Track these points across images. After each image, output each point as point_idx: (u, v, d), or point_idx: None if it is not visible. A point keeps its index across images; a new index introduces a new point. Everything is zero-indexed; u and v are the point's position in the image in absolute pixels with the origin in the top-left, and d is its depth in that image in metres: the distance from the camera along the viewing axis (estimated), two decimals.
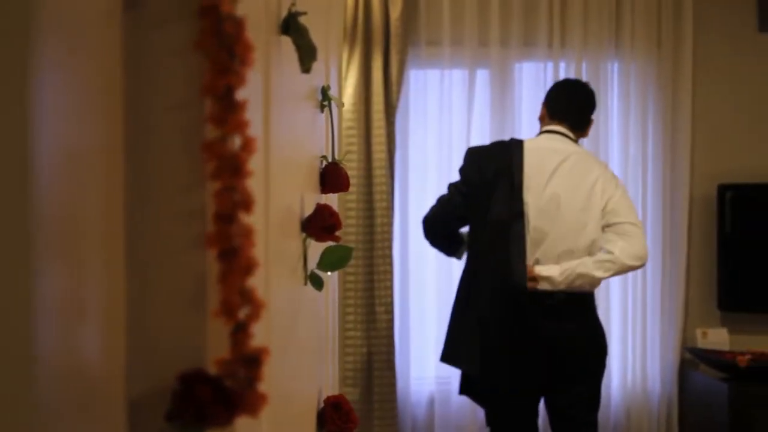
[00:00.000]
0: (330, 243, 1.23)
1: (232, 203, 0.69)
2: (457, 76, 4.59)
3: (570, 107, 3.63)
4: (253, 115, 0.87)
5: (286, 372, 1.09)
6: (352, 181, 4.35)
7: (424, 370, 4.56)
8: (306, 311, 1.26)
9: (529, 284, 3.34)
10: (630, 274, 4.51)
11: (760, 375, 4.21)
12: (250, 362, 0.72)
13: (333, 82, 1.66)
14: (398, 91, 4.45)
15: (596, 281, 3.39)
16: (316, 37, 1.29)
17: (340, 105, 1.47)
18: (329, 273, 1.34)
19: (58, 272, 0.52)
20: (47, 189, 0.50)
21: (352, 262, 4.39)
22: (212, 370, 0.73)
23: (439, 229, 3.67)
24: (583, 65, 4.59)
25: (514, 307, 3.35)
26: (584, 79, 4.44)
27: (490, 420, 3.62)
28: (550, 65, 4.59)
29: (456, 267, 4.47)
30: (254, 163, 0.89)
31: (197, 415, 0.71)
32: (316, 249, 1.29)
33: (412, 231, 4.45)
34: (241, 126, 0.70)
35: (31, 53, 0.49)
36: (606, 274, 3.37)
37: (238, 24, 0.71)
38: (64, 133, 0.54)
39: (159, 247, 0.71)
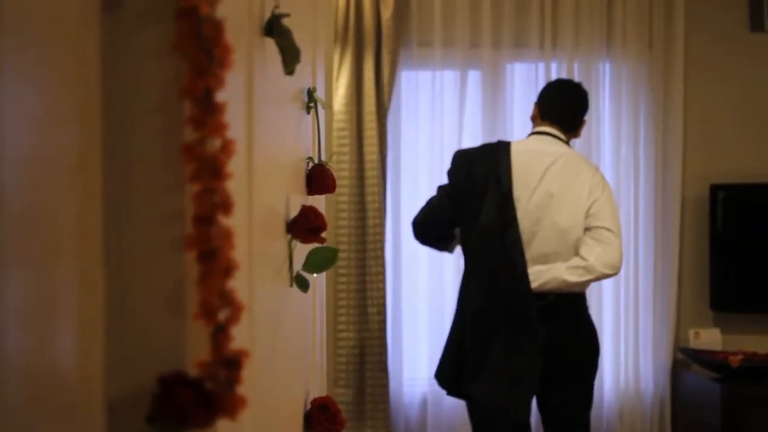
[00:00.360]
0: (316, 244, 1.23)
1: (212, 205, 0.69)
2: (448, 77, 4.60)
3: (562, 108, 3.62)
4: (235, 116, 0.87)
5: (272, 374, 1.09)
6: (343, 182, 4.40)
7: (417, 371, 4.56)
8: (292, 313, 1.26)
9: None
10: (622, 275, 4.52)
11: (752, 375, 4.22)
12: (230, 364, 0.72)
13: (320, 83, 1.66)
14: (390, 92, 4.45)
15: (569, 285, 3.38)
16: (301, 38, 1.29)
17: (326, 107, 1.47)
18: (315, 275, 1.34)
19: (26, 275, 0.52)
20: (14, 194, 0.50)
21: (344, 263, 4.39)
22: (193, 372, 0.73)
23: (429, 231, 3.67)
24: (575, 66, 4.59)
25: (514, 310, 3.35)
26: (576, 79, 4.44)
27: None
28: (541, 66, 4.59)
29: (448, 268, 4.48)
30: (237, 165, 0.89)
31: (177, 417, 0.71)
32: (303, 250, 1.29)
33: (404, 232, 4.45)
34: (220, 128, 0.70)
35: None
36: (579, 279, 3.36)
37: (217, 26, 0.71)
38: (34, 139, 0.54)
39: (139, 249, 0.71)
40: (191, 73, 0.69)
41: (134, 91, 0.71)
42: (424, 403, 4.52)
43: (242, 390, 0.77)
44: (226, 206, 0.70)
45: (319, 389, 1.63)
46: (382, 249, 4.43)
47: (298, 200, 1.28)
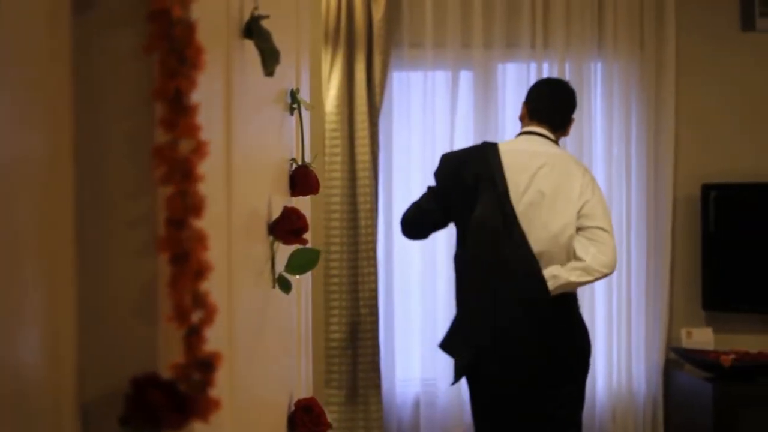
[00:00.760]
0: (298, 246, 1.23)
1: (183, 208, 0.69)
2: (440, 77, 4.59)
3: (551, 106, 3.63)
4: (212, 118, 0.87)
5: (253, 375, 1.09)
6: (335, 183, 4.40)
7: (409, 371, 4.56)
8: (274, 314, 1.26)
9: None
10: (615, 275, 4.52)
11: (744, 374, 4.22)
12: (204, 366, 0.72)
13: (305, 85, 1.66)
14: (381, 93, 4.45)
15: (572, 285, 3.39)
16: (283, 40, 1.29)
17: (311, 108, 1.46)
18: (298, 276, 1.34)
19: None
20: None
21: (336, 264, 4.39)
22: (166, 374, 0.72)
23: (415, 230, 3.72)
24: (566, 66, 4.59)
25: (525, 312, 3.37)
26: (567, 79, 4.45)
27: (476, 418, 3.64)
28: (533, 66, 4.59)
29: (441, 269, 4.47)
30: (215, 167, 0.89)
31: (150, 418, 0.71)
32: (287, 252, 1.29)
33: (396, 233, 4.44)
34: (192, 130, 0.70)
35: None
36: (578, 279, 3.36)
37: (189, 28, 0.71)
38: (1, 141, 0.54)
39: (111, 251, 0.71)
40: (162, 75, 0.69)
41: (106, 92, 0.71)
42: (416, 403, 4.52)
43: (220, 391, 0.77)
44: (198, 208, 0.70)
45: (305, 390, 1.63)
46: (374, 250, 4.43)
47: (280, 202, 1.28)
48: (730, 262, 4.61)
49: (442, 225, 3.65)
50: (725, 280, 4.61)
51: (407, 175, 4.56)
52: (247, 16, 1.03)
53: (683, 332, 4.56)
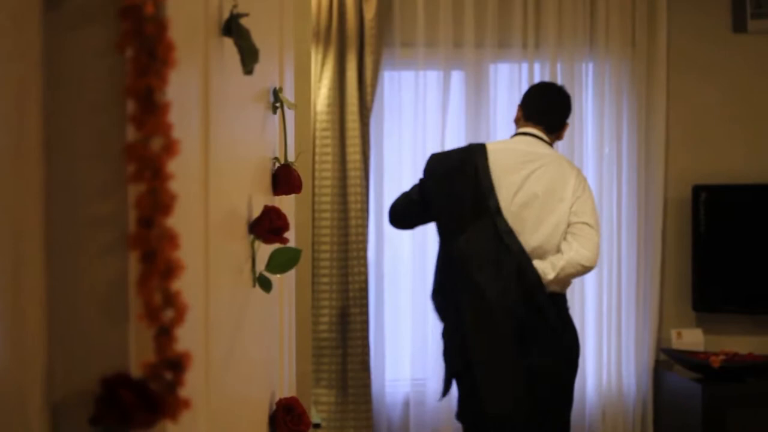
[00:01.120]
0: (279, 245, 1.23)
1: (153, 206, 0.69)
2: (431, 77, 4.59)
3: (546, 110, 3.64)
4: (188, 116, 0.87)
5: (231, 374, 1.08)
6: (326, 182, 4.40)
7: (400, 371, 4.56)
8: (255, 313, 1.25)
9: None
10: (605, 275, 4.53)
11: (733, 375, 4.23)
12: (174, 366, 0.72)
13: (289, 83, 1.66)
14: (373, 93, 4.45)
15: (548, 282, 3.39)
16: (266, 38, 1.28)
17: (292, 107, 1.46)
18: (279, 276, 1.33)
19: None
20: None
21: (326, 263, 4.39)
22: (137, 373, 0.72)
23: (401, 220, 3.77)
24: (558, 65, 4.60)
25: (522, 304, 3.38)
26: (559, 79, 4.46)
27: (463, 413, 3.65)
28: (525, 66, 4.59)
29: (431, 269, 4.47)
30: (191, 165, 0.88)
31: (120, 418, 0.70)
32: (268, 251, 1.28)
33: (387, 232, 4.45)
34: (162, 127, 0.70)
35: None
36: (555, 273, 3.36)
37: (161, 24, 0.70)
38: None
39: (81, 250, 0.71)
40: (133, 72, 0.68)
41: (76, 89, 0.70)
42: (406, 403, 4.52)
43: (195, 390, 0.76)
44: (168, 206, 0.70)
45: (288, 390, 1.62)
46: (364, 249, 4.43)
47: (262, 201, 1.27)
48: (720, 264, 4.62)
49: (429, 218, 3.68)
50: (715, 282, 4.62)
51: (398, 175, 4.56)
52: (226, 14, 1.03)
53: (673, 333, 4.57)
